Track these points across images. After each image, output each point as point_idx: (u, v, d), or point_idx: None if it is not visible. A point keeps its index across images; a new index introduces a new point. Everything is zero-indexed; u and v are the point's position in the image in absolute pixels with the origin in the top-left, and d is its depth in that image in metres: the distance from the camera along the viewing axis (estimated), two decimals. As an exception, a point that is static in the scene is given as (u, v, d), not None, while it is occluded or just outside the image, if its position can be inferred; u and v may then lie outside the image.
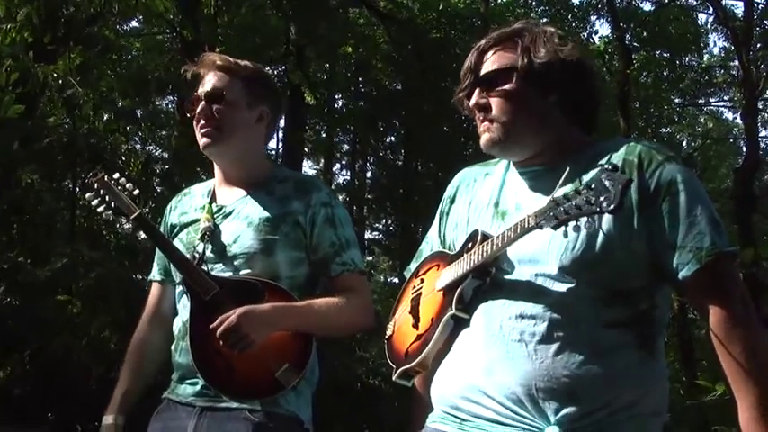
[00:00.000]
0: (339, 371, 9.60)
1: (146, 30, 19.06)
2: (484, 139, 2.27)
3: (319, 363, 2.91)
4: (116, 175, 3.06)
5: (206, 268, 2.83)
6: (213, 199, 3.00)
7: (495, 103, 2.25)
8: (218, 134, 2.89)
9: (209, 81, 2.92)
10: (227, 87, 2.91)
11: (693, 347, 14.65)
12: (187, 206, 3.06)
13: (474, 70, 2.30)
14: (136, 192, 3.02)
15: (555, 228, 1.93)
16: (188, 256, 2.86)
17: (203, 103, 2.89)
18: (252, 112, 2.94)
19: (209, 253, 2.86)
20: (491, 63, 2.28)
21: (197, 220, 2.95)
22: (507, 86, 2.23)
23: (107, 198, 3.00)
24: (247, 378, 2.72)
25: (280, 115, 3.18)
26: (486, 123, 2.26)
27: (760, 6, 19.32)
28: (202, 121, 2.89)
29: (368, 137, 22.52)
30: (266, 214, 2.85)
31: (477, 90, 2.29)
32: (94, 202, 3.03)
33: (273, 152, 22.98)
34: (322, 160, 25.95)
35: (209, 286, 2.76)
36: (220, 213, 2.93)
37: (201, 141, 2.91)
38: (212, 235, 2.88)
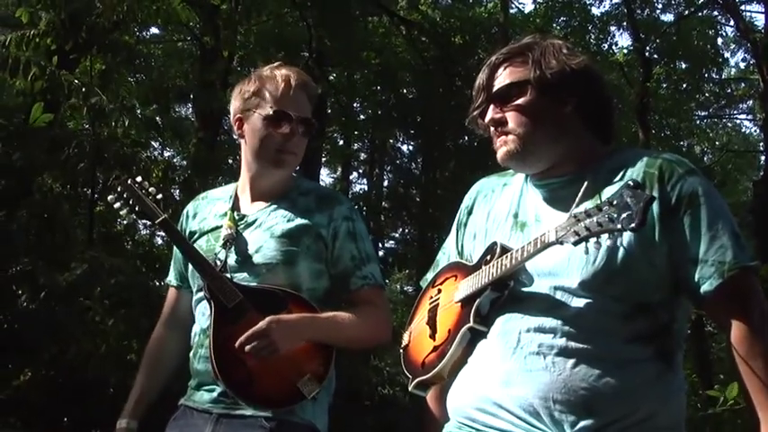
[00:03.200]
0: (355, 380, 9.60)
1: (166, 37, 19.16)
2: (501, 152, 2.27)
3: (336, 372, 2.91)
4: (139, 178, 3.07)
5: (228, 276, 2.83)
6: (236, 206, 3.00)
7: (511, 116, 2.25)
8: (294, 160, 2.95)
9: (304, 106, 2.95)
10: (310, 114, 2.97)
11: (711, 361, 14.59)
12: (206, 212, 3.06)
13: (486, 86, 2.31)
14: (159, 196, 3.03)
15: (575, 244, 1.93)
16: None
17: (295, 126, 2.91)
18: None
19: (231, 262, 2.85)
20: (504, 78, 2.29)
21: (218, 227, 2.95)
22: (522, 99, 2.24)
23: (131, 201, 3.01)
24: (268, 387, 2.71)
25: None
26: (502, 137, 2.26)
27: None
28: (290, 146, 2.91)
29: (385, 144, 22.55)
30: (289, 226, 2.86)
31: (491, 106, 2.29)
32: (117, 205, 3.04)
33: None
34: (339, 169, 25.98)
35: (232, 294, 2.76)
36: (243, 222, 2.93)
37: (280, 166, 2.94)
38: (234, 243, 2.88)
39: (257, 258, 2.83)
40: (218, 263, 2.85)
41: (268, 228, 2.88)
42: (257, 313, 2.71)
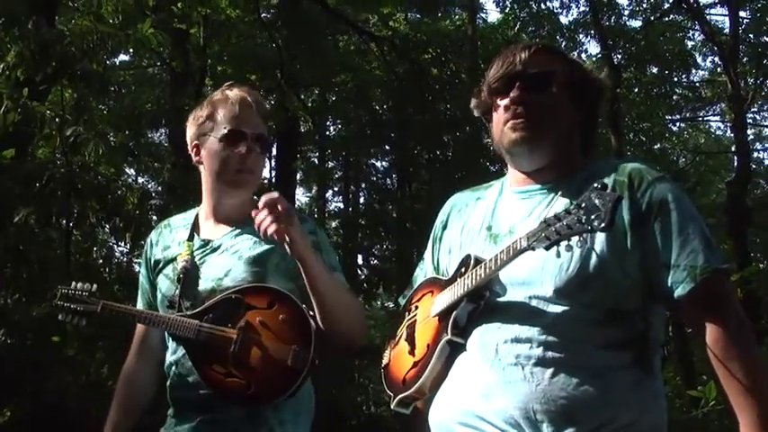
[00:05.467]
0: (339, 399, 9.57)
1: (135, 62, 19.09)
2: (515, 135, 2.25)
3: (316, 391, 2.91)
4: (72, 284, 3.11)
5: (187, 304, 2.86)
6: (196, 232, 3.02)
7: (537, 102, 2.26)
8: (253, 179, 2.96)
9: (258, 123, 2.93)
10: (266, 132, 2.96)
11: (693, 362, 14.63)
12: (169, 240, 3.08)
13: (523, 64, 2.29)
14: (95, 287, 3.09)
15: (547, 248, 1.94)
16: (173, 290, 2.91)
17: (251, 143, 2.91)
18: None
19: (200, 288, 2.88)
20: (539, 65, 2.29)
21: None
22: (551, 90, 2.26)
23: (72, 307, 3.06)
24: (267, 381, 2.70)
25: None
26: (520, 120, 2.25)
27: (745, 21, 19.45)
28: (248, 165, 2.92)
29: (360, 162, 22.53)
30: (256, 247, 2.87)
31: (518, 84, 2.28)
32: (68, 319, 3.10)
33: (266, 180, 22.94)
34: (314, 187, 25.95)
35: (190, 326, 2.79)
36: (207, 248, 2.95)
37: (240, 186, 2.95)
38: (192, 273, 2.90)
39: (227, 282, 2.84)
40: (176, 295, 2.89)
41: (235, 251, 2.90)
42: (220, 327, 2.75)
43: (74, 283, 3.10)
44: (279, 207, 2.54)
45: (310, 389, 2.88)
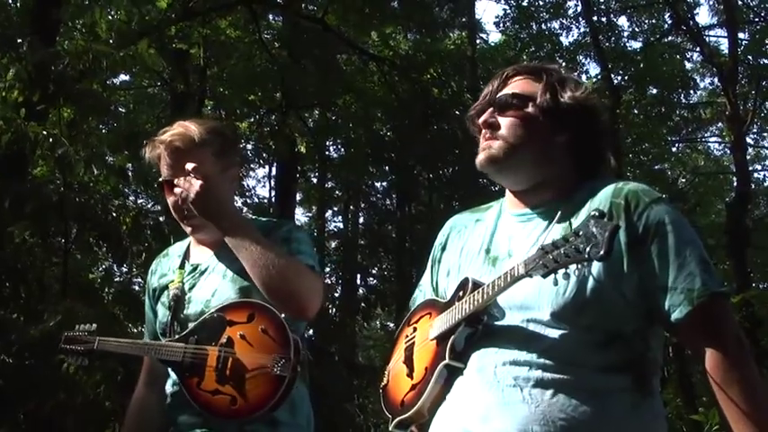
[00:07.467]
0: (338, 420, 9.53)
1: (135, 83, 19.15)
2: (482, 155, 2.27)
3: (315, 411, 2.91)
4: (76, 327, 3.28)
5: (178, 329, 2.90)
6: (187, 258, 3.07)
7: (505, 123, 2.27)
8: (201, 219, 2.91)
9: (185, 164, 2.85)
10: (220, 159, 2.93)
11: (693, 383, 14.60)
12: (166, 268, 3.13)
13: (494, 91, 2.33)
14: (94, 326, 3.26)
15: (544, 276, 1.93)
16: (167, 317, 2.95)
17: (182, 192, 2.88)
18: (225, 179, 2.96)
19: (189, 311, 2.91)
20: (512, 88, 2.31)
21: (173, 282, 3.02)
22: (521, 112, 2.26)
23: (75, 349, 3.21)
24: (252, 392, 2.69)
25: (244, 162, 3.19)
26: (489, 141, 2.27)
27: (744, 42, 19.55)
28: (189, 211, 2.89)
29: (360, 183, 22.55)
30: (237, 265, 2.84)
31: (490, 109, 2.30)
32: (72, 361, 3.31)
33: (266, 200, 22.99)
34: (314, 207, 25.99)
35: (177, 350, 2.83)
36: (196, 271, 2.99)
37: (193, 231, 2.98)
38: (183, 298, 2.94)
39: (214, 302, 2.87)
40: (167, 322, 2.93)
41: (220, 271, 2.92)
42: (203, 347, 2.78)
43: (78, 325, 3.25)
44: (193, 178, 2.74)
45: (309, 409, 2.88)
